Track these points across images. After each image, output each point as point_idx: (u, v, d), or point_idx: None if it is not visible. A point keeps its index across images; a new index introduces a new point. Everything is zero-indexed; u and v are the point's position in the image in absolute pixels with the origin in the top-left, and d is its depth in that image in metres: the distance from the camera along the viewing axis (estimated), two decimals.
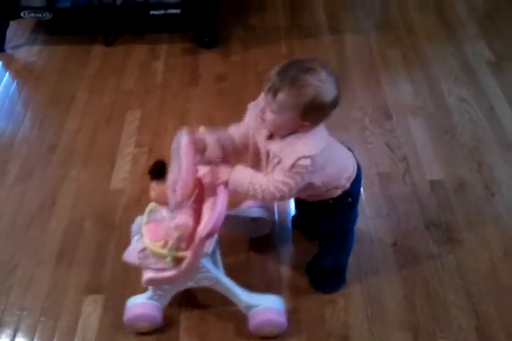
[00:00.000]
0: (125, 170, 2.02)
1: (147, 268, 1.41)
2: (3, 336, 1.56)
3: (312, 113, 1.21)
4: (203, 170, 1.32)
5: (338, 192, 1.40)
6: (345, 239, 1.57)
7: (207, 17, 2.57)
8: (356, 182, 1.43)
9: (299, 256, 1.73)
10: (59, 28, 2.74)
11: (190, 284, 1.48)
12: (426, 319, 1.55)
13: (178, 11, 2.57)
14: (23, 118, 2.28)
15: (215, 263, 1.51)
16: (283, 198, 1.29)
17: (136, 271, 1.50)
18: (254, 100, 1.35)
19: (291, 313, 1.57)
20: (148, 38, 2.68)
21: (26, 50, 2.64)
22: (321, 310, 1.59)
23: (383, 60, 2.52)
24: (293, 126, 1.24)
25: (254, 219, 1.71)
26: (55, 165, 2.05)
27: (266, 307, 1.49)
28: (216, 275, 1.46)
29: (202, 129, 1.39)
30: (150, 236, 1.38)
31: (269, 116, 1.23)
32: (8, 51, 2.63)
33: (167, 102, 2.33)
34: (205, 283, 1.47)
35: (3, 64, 2.58)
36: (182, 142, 1.29)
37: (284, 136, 1.26)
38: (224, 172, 1.29)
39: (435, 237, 1.76)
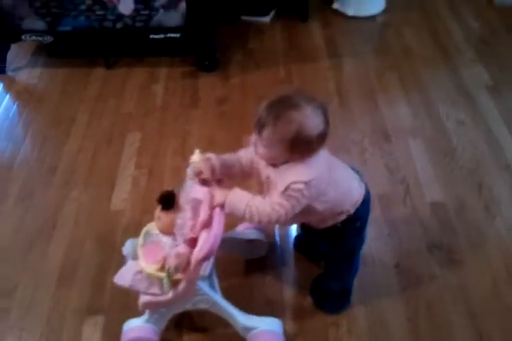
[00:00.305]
0: (125, 192, 2.02)
1: (139, 291, 1.40)
2: None
3: (299, 147, 1.24)
4: (199, 193, 1.31)
5: (343, 217, 1.40)
6: (351, 261, 1.56)
7: (206, 41, 2.61)
8: (364, 205, 1.43)
9: (301, 278, 1.73)
10: (60, 51, 2.78)
11: (188, 307, 1.47)
12: None
13: (177, 35, 2.61)
14: (23, 139, 2.29)
15: (211, 285, 1.50)
16: (279, 221, 1.29)
17: (136, 292, 1.48)
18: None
19: (294, 335, 1.55)
20: (148, 61, 2.71)
21: (27, 73, 2.66)
22: (325, 332, 1.57)
23: (381, 83, 2.55)
24: (284, 158, 1.27)
25: (250, 241, 1.70)
26: (56, 187, 2.05)
27: (264, 329, 1.47)
28: (213, 297, 1.45)
29: (197, 152, 1.41)
30: (146, 258, 1.37)
31: (261, 149, 1.27)
32: (10, 73, 2.66)
33: (167, 124, 2.34)
34: (202, 306, 1.46)
35: (4, 86, 2.59)
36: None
37: (279, 165, 1.29)
38: (220, 194, 1.29)
39: (437, 258, 1.76)
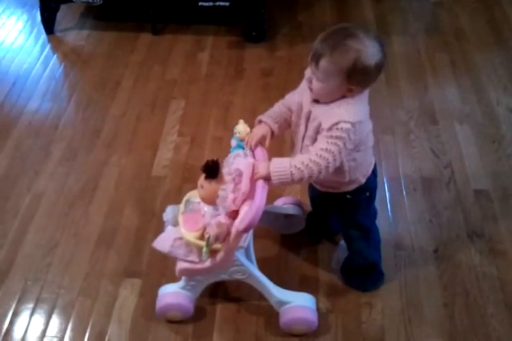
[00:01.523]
0: (167, 158, 2.03)
1: (176, 258, 1.41)
2: (41, 312, 1.58)
3: (357, 76, 1.20)
4: (242, 165, 1.30)
5: (354, 186, 1.40)
6: (368, 235, 1.55)
7: (255, 11, 2.56)
8: (373, 175, 1.43)
9: (335, 256, 1.72)
10: (108, 14, 2.76)
11: (224, 276, 1.47)
12: (464, 329, 1.53)
13: (226, 4, 2.57)
14: (68, 101, 2.30)
15: (248, 257, 1.51)
16: (328, 168, 1.25)
17: (174, 258, 1.50)
18: None
19: (327, 313, 1.56)
20: (195, 29, 2.68)
21: (75, 34, 2.67)
22: (358, 312, 1.57)
23: (431, 64, 2.48)
24: (340, 91, 1.24)
25: (288, 216, 1.70)
26: (99, 149, 2.07)
27: (297, 305, 1.47)
28: (249, 268, 1.45)
29: (241, 122, 1.40)
30: (186, 226, 1.38)
31: (316, 84, 1.23)
32: (58, 34, 2.66)
33: (211, 94, 2.33)
34: (238, 277, 1.47)
35: (51, 46, 2.60)
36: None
37: (329, 103, 1.26)
38: (262, 167, 1.28)
39: (477, 247, 1.73)
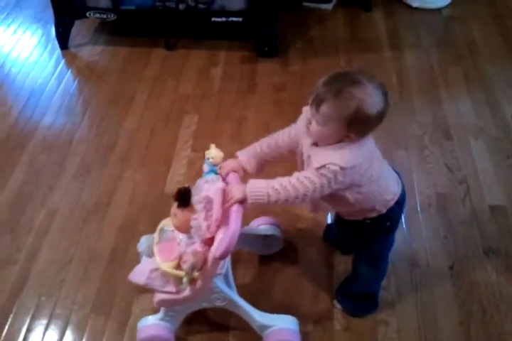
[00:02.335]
0: (180, 174, 2.03)
1: (153, 289, 1.39)
2: (55, 328, 1.58)
3: (357, 125, 1.19)
4: (211, 191, 1.28)
5: (373, 214, 1.36)
6: (378, 263, 1.52)
7: (268, 26, 2.57)
8: (398, 206, 1.38)
9: (323, 275, 1.70)
10: (121, 30, 2.79)
11: (204, 304, 1.46)
12: None
13: (239, 19, 2.59)
14: (82, 116, 2.32)
15: (227, 283, 1.49)
16: (306, 197, 1.23)
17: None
18: None
19: (342, 331, 1.54)
20: (208, 44, 2.70)
21: (89, 49, 2.69)
22: (374, 330, 1.55)
23: (444, 78, 2.48)
24: (338, 136, 1.22)
25: (265, 237, 1.68)
26: (113, 164, 2.08)
27: (280, 327, 1.45)
28: (229, 295, 1.44)
29: (213, 147, 1.40)
30: (162, 256, 1.35)
31: (314, 127, 1.22)
32: (72, 49, 2.69)
33: (224, 109, 2.33)
34: (218, 304, 1.45)
35: (66, 61, 2.63)
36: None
37: (327, 145, 1.25)
38: (236, 190, 1.26)
39: (494, 264, 1.71)
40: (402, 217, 1.81)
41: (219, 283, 1.41)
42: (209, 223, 1.25)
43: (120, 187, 1.98)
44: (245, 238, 1.62)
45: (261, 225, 1.69)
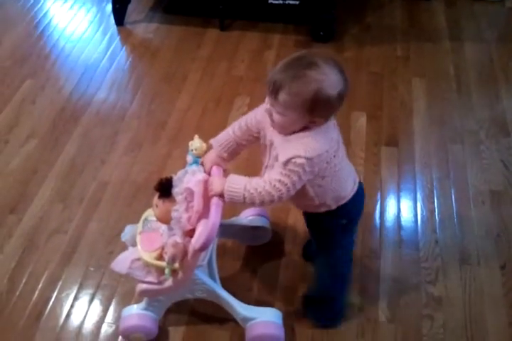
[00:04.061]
0: None
1: (135, 279, 1.38)
2: (101, 298, 1.61)
3: (320, 108, 1.13)
4: (191, 183, 1.25)
5: (322, 209, 1.31)
6: (335, 266, 1.46)
7: (325, 11, 2.53)
8: (352, 204, 1.32)
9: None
10: (176, 8, 2.79)
11: (186, 295, 1.45)
12: None
13: (296, 2, 2.55)
14: (135, 92, 2.33)
15: (211, 274, 1.48)
16: (281, 199, 1.20)
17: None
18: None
19: (387, 323, 1.52)
20: (262, 27, 2.68)
21: (144, 27, 2.70)
22: (419, 324, 1.53)
23: (504, 72, 2.40)
24: (302, 123, 1.16)
25: (254, 228, 1.66)
26: (163, 142, 2.09)
27: (263, 320, 1.43)
28: (211, 286, 1.42)
29: (196, 138, 1.37)
30: (143, 246, 1.34)
31: (277, 117, 1.16)
32: (127, 26, 2.70)
33: None
34: (200, 295, 1.44)
35: (120, 38, 2.64)
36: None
37: (291, 134, 1.19)
38: (217, 184, 1.23)
39: None
40: (454, 209, 1.79)
41: (201, 274, 1.40)
42: (190, 215, 1.23)
43: (170, 165, 1.99)
44: (234, 229, 1.61)
45: (250, 216, 1.66)
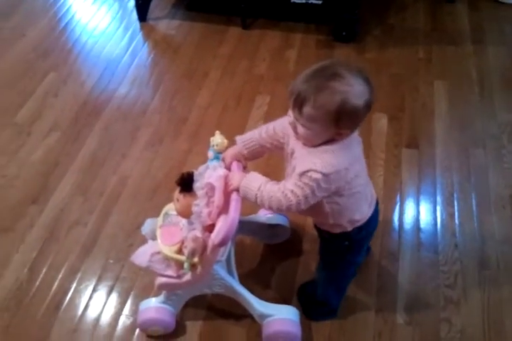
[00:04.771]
0: None
1: (155, 272, 1.38)
2: (120, 291, 1.63)
3: (346, 119, 1.10)
4: (213, 178, 1.25)
5: (337, 230, 1.31)
6: (337, 278, 1.47)
7: (349, 11, 2.53)
8: (361, 230, 1.31)
9: None
10: (198, 6, 2.80)
11: (205, 290, 1.45)
12: None
13: (319, 2, 2.55)
14: (156, 88, 2.34)
15: (229, 270, 1.48)
16: (290, 210, 1.19)
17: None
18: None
19: (405, 325, 1.52)
20: (284, 26, 2.68)
21: (166, 23, 2.71)
22: (436, 327, 1.52)
23: None
24: (328, 136, 1.14)
25: (272, 226, 1.66)
26: (184, 138, 2.10)
27: (280, 317, 1.43)
28: (229, 282, 1.42)
29: (217, 133, 1.37)
30: (163, 240, 1.34)
31: (301, 130, 1.14)
32: (150, 22, 2.72)
33: None
34: (219, 290, 1.44)
35: (143, 34, 2.66)
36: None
37: (313, 147, 1.17)
38: (236, 179, 1.23)
39: None
40: (474, 214, 1.78)
41: (219, 269, 1.40)
42: (210, 210, 1.24)
43: (190, 161, 2.00)
44: (252, 226, 1.61)
45: (269, 214, 1.66)
